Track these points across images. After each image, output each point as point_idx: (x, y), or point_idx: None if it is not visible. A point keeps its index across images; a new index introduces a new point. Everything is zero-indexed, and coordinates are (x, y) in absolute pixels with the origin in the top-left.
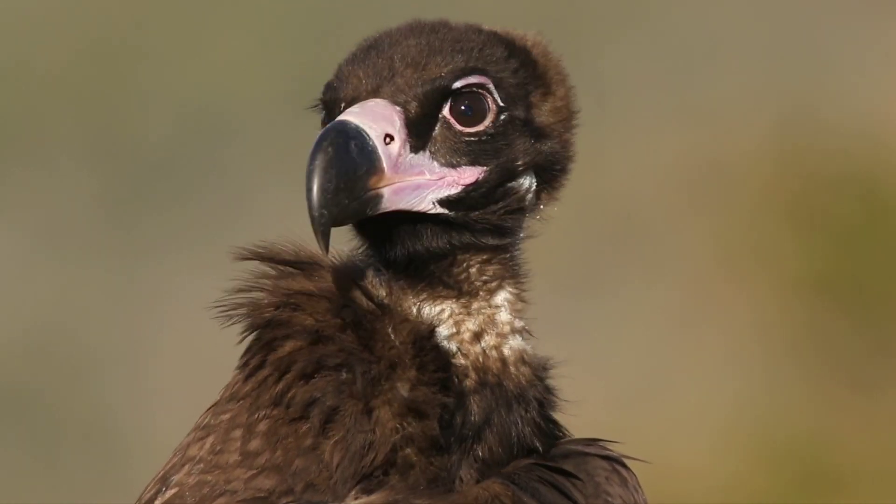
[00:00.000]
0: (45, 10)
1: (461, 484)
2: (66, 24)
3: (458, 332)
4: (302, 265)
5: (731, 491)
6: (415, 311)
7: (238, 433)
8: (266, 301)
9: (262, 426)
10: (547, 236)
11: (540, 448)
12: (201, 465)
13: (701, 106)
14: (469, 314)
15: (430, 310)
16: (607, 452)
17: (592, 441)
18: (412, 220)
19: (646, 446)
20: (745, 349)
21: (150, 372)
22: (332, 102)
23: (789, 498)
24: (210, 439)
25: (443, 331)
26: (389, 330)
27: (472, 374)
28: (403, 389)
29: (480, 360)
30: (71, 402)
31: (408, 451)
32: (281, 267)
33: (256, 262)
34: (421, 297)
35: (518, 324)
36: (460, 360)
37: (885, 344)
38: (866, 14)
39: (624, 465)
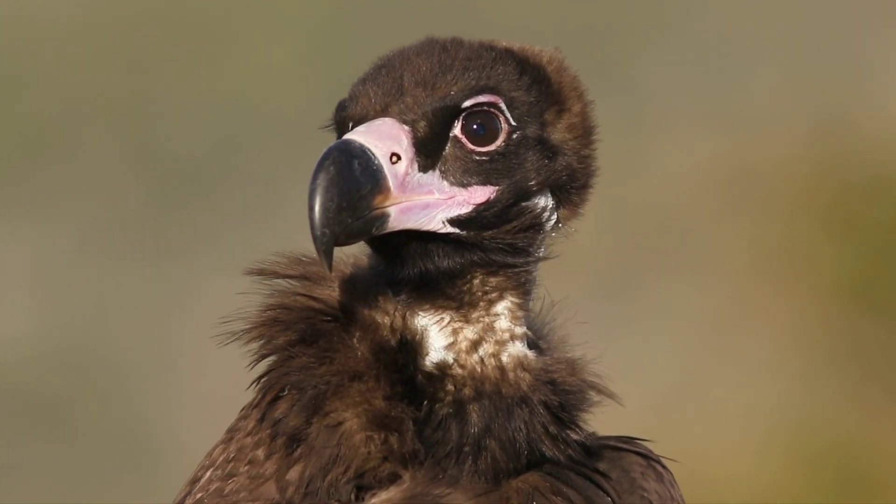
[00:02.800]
0: (83, 15)
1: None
2: (104, 28)
3: (455, 342)
4: (300, 278)
5: (769, 496)
6: (400, 321)
7: (244, 451)
8: (257, 321)
9: (251, 444)
10: (586, 241)
11: (554, 454)
12: (219, 472)
13: (737, 112)
14: (468, 322)
15: (424, 320)
16: (642, 449)
17: (626, 439)
18: (423, 238)
19: (683, 450)
20: (782, 355)
21: (179, 375)
22: (342, 121)
23: (827, 502)
24: (232, 444)
25: (438, 341)
26: (355, 341)
27: (469, 384)
28: (373, 401)
29: (478, 369)
30: (103, 405)
31: (390, 463)
32: (279, 281)
33: (259, 278)
34: (423, 308)
35: (518, 330)
36: (457, 370)
37: None
38: None
39: (659, 462)
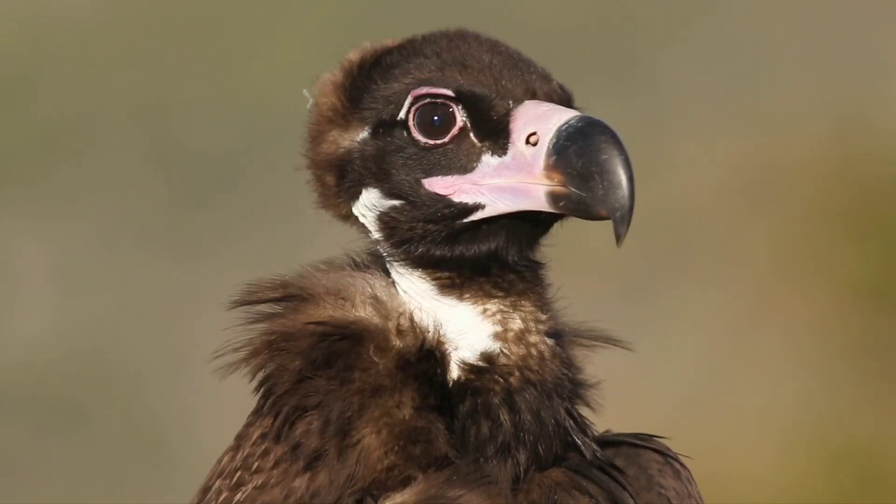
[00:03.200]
0: (106, 15)
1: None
2: (125, 28)
3: (503, 331)
4: (290, 299)
5: (788, 494)
6: (407, 322)
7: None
8: (256, 346)
9: (268, 466)
10: (605, 241)
11: (580, 443)
12: (228, 481)
13: (758, 112)
14: (515, 310)
15: (449, 311)
16: (659, 446)
17: (643, 436)
18: (525, 218)
19: (702, 449)
20: (801, 354)
21: (197, 374)
22: (480, 98)
23: (846, 501)
24: (239, 453)
25: (482, 330)
26: (371, 354)
27: (516, 373)
28: (395, 414)
29: (524, 358)
30: (121, 404)
31: (402, 468)
32: (271, 306)
33: (245, 307)
34: (464, 297)
35: (547, 319)
36: (503, 360)
37: None
38: None
39: (676, 459)
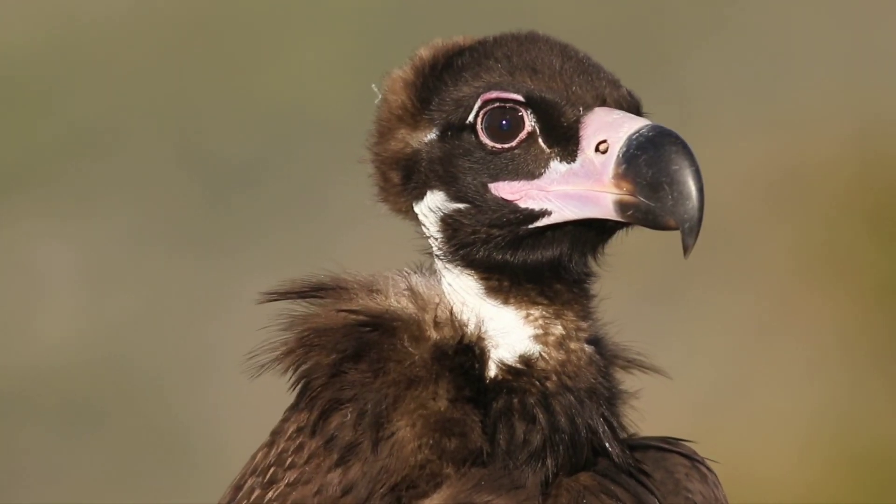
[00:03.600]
0: (135, 18)
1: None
2: (154, 32)
3: (544, 335)
4: (323, 292)
5: (812, 496)
6: (446, 314)
7: (285, 456)
8: (290, 345)
9: (302, 459)
10: (628, 245)
11: (611, 448)
12: (261, 479)
13: (782, 114)
14: (558, 318)
15: (492, 311)
16: (685, 450)
17: (670, 440)
18: (592, 226)
19: (725, 453)
20: (825, 357)
21: (223, 374)
22: (551, 104)
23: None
24: (273, 449)
25: (523, 332)
26: (406, 344)
27: (553, 377)
28: (430, 406)
29: (562, 363)
30: (145, 405)
31: (436, 464)
32: (304, 301)
33: (282, 302)
34: (509, 301)
35: (587, 326)
36: (541, 364)
37: None
38: None
39: (703, 463)
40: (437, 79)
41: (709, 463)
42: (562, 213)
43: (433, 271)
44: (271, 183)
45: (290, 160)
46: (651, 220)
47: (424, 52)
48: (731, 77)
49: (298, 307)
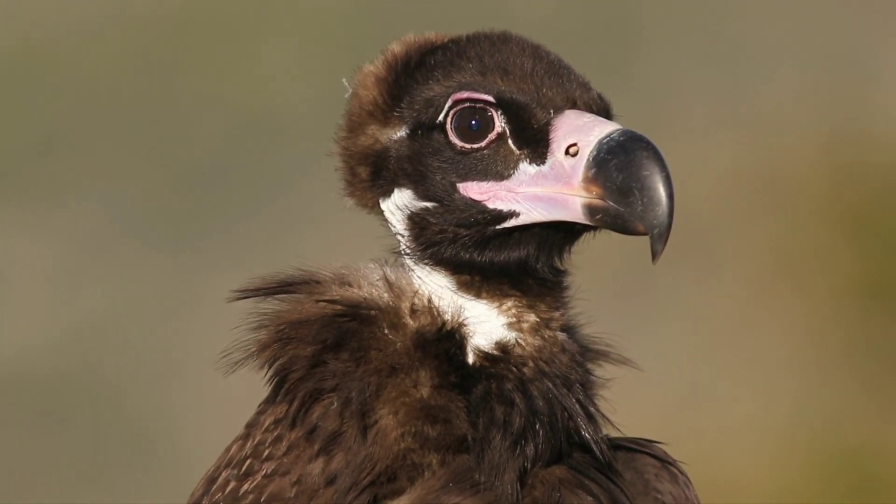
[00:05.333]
0: (107, 17)
1: (506, 479)
2: (124, 30)
3: (517, 322)
4: (295, 287)
5: (785, 497)
6: (424, 302)
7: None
8: (265, 340)
9: (282, 450)
10: (599, 240)
11: (587, 435)
12: (236, 471)
13: (755, 114)
14: (532, 309)
15: (468, 302)
16: (656, 451)
17: (639, 441)
18: (558, 227)
19: (698, 451)
20: (799, 355)
21: (193, 371)
22: (521, 106)
23: None
24: (249, 442)
25: (498, 320)
26: (386, 332)
27: (530, 363)
28: (412, 393)
29: (538, 349)
30: (115, 403)
31: (417, 454)
32: (276, 297)
33: (253, 300)
34: (482, 295)
35: (560, 315)
36: (518, 351)
37: None
38: None
39: (673, 464)
40: (409, 76)
41: (679, 465)
42: (530, 214)
43: (402, 265)
44: (240, 181)
45: (259, 159)
46: (620, 224)
47: (397, 48)
48: (706, 78)
49: (268, 303)
